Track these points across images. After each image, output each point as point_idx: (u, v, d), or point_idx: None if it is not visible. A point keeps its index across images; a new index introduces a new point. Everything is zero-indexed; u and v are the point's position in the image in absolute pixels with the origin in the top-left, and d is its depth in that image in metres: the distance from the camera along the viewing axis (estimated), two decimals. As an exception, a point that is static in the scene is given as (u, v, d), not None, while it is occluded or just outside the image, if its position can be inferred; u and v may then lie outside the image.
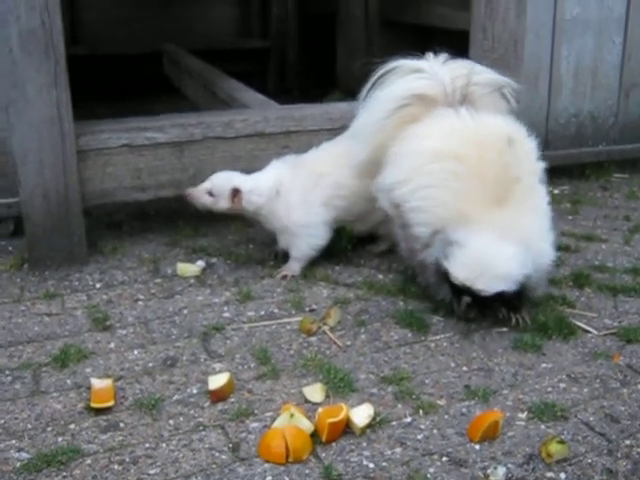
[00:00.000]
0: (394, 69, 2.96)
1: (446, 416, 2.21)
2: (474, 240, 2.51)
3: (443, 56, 2.96)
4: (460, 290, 2.55)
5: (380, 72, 2.96)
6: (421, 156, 2.78)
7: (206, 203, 3.09)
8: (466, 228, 2.54)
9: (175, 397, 2.31)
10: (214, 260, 3.31)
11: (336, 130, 3.45)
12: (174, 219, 3.73)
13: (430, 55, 2.98)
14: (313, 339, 2.64)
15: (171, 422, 2.19)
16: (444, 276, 2.59)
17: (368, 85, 2.98)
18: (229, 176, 3.14)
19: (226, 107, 4.35)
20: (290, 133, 3.52)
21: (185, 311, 2.85)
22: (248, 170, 3.38)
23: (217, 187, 3.08)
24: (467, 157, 2.64)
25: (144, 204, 3.74)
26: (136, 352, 2.57)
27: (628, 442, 2.11)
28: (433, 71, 2.91)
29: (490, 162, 2.61)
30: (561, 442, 2.04)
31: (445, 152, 2.69)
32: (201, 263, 3.24)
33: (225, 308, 2.88)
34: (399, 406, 2.25)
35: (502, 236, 2.51)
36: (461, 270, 2.51)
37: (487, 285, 2.50)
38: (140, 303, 2.92)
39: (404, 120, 2.89)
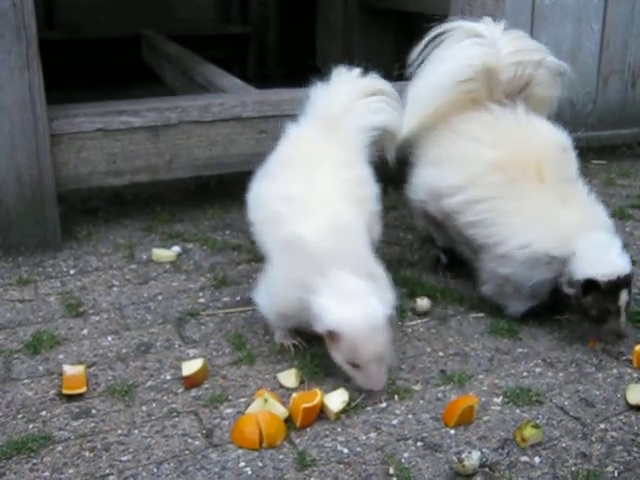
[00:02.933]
0: (451, 31, 2.85)
1: (421, 401, 2.20)
2: (589, 240, 2.45)
3: (501, 23, 2.87)
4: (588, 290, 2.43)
5: (434, 33, 2.84)
6: (478, 165, 2.65)
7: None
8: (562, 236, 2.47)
9: (148, 383, 2.28)
10: (190, 246, 3.28)
11: (314, 115, 3.42)
12: (150, 204, 3.69)
13: (487, 19, 2.89)
14: (289, 324, 2.62)
15: (144, 408, 2.16)
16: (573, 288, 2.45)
17: (420, 47, 2.85)
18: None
19: (204, 92, 4.30)
20: (267, 117, 3.48)
21: (160, 297, 2.82)
22: (224, 155, 3.37)
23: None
24: (525, 165, 2.57)
25: (120, 189, 3.71)
26: (109, 338, 2.53)
27: (603, 426, 2.12)
28: (493, 39, 2.80)
29: (549, 166, 2.57)
30: (536, 426, 2.04)
31: (503, 162, 2.60)
32: (177, 249, 3.21)
33: (200, 294, 2.85)
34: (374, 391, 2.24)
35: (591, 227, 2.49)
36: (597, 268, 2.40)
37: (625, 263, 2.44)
38: (114, 289, 2.89)
39: (461, 97, 2.79)
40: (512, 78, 2.78)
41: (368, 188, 2.58)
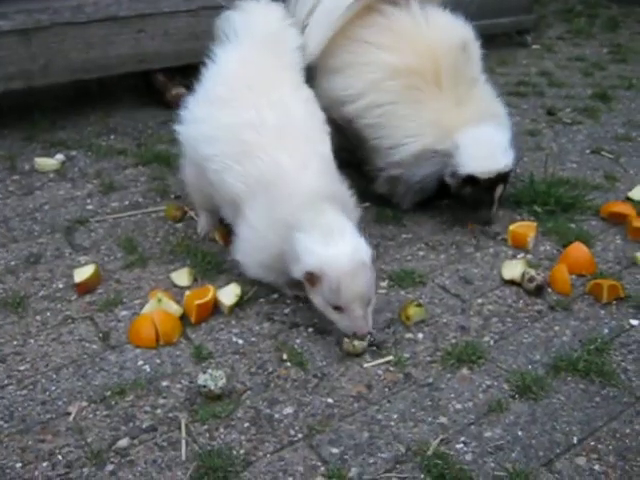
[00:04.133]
0: None
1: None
2: (473, 134, 2.53)
3: None
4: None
5: None
6: (377, 71, 2.64)
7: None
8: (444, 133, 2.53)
9: (41, 293, 2.28)
10: (74, 153, 3.20)
11: (193, 12, 3.34)
12: (29, 113, 3.55)
13: None
14: (179, 225, 2.64)
15: (38, 318, 2.16)
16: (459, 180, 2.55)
17: None
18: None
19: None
20: (145, 16, 3.37)
21: (46, 207, 2.77)
22: (102, 57, 3.25)
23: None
24: (424, 70, 2.57)
25: (-5, 98, 3.54)
26: (-3, 252, 2.50)
27: (480, 301, 2.27)
28: None
29: (446, 69, 2.57)
30: (419, 305, 2.17)
31: (402, 67, 2.59)
32: (60, 157, 3.13)
33: (88, 201, 2.81)
34: (265, 284, 2.29)
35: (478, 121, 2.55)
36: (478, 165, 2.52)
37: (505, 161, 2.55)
38: (-3, 202, 2.82)
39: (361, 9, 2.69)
40: None
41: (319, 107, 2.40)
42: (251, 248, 2.15)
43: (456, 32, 2.68)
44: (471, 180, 2.54)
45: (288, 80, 2.34)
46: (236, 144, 2.14)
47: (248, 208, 2.11)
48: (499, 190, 2.59)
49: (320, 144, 2.20)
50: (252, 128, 2.13)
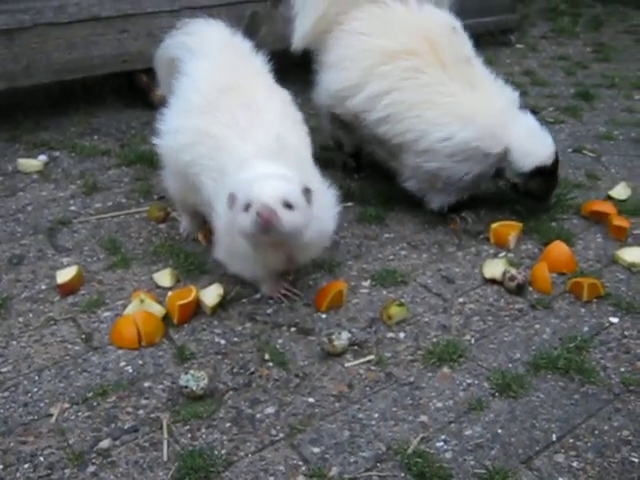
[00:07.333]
0: None
1: (294, 289, 2.29)
2: (520, 130, 2.58)
3: None
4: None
5: None
6: (370, 57, 2.62)
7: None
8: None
9: (23, 295, 2.27)
10: (57, 153, 3.20)
11: (176, 12, 3.34)
12: (12, 113, 3.54)
13: None
14: (162, 226, 2.65)
15: (20, 319, 2.16)
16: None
17: None
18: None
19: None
20: (128, 16, 3.36)
21: (29, 208, 2.77)
22: (85, 58, 3.24)
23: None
24: (421, 50, 2.54)
25: (-23, 99, 3.54)
26: (-21, 253, 2.49)
27: (461, 300, 2.29)
28: None
29: (445, 48, 2.55)
30: (400, 304, 2.18)
31: (396, 50, 2.56)
32: (43, 157, 3.12)
33: (71, 202, 2.81)
34: (248, 284, 2.30)
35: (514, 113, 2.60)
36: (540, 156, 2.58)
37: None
38: (-19, 203, 2.81)
39: None
40: None
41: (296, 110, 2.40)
42: (224, 242, 2.16)
43: (445, 17, 2.69)
44: (539, 171, 2.58)
45: (260, 83, 2.34)
46: (209, 142, 2.16)
47: (216, 203, 2.12)
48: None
49: (291, 139, 2.18)
50: (224, 126, 2.15)
